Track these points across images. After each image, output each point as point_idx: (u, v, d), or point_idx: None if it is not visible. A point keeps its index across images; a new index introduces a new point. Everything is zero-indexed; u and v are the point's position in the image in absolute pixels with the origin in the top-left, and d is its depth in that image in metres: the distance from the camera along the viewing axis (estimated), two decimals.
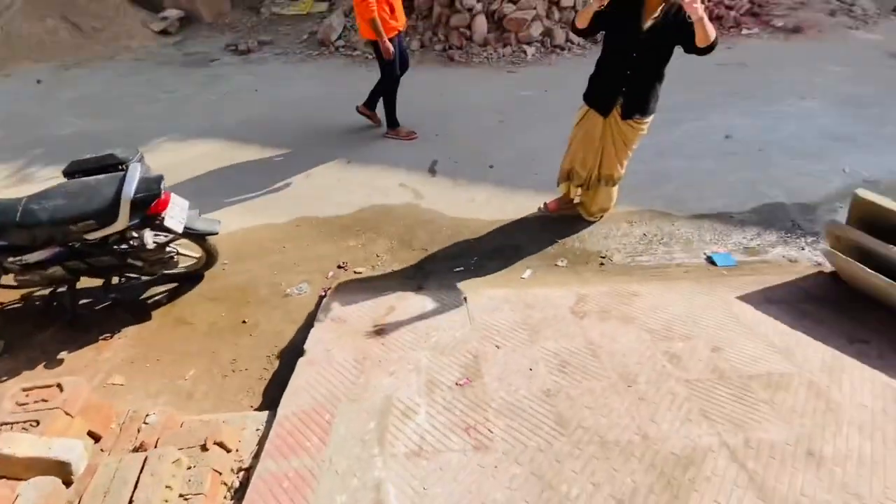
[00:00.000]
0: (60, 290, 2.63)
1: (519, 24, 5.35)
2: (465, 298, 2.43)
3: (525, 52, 5.33)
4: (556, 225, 3.07)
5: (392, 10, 3.51)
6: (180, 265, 2.75)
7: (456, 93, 4.68)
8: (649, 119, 2.54)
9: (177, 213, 2.34)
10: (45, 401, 1.50)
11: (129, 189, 2.10)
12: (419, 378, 1.90)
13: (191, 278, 2.83)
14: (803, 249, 2.77)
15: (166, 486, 1.32)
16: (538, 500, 1.39)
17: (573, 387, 1.80)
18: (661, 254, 2.81)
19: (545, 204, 3.16)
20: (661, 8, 2.16)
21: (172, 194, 2.34)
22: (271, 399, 2.06)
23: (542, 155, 3.59)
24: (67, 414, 1.42)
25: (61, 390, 1.46)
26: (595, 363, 1.92)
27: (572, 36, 5.32)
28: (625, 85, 2.41)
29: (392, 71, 3.70)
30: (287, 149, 3.95)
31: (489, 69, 5.14)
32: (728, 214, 3.05)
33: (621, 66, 2.36)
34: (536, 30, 5.38)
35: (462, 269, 2.79)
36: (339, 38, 5.81)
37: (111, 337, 2.52)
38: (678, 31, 2.12)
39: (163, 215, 2.26)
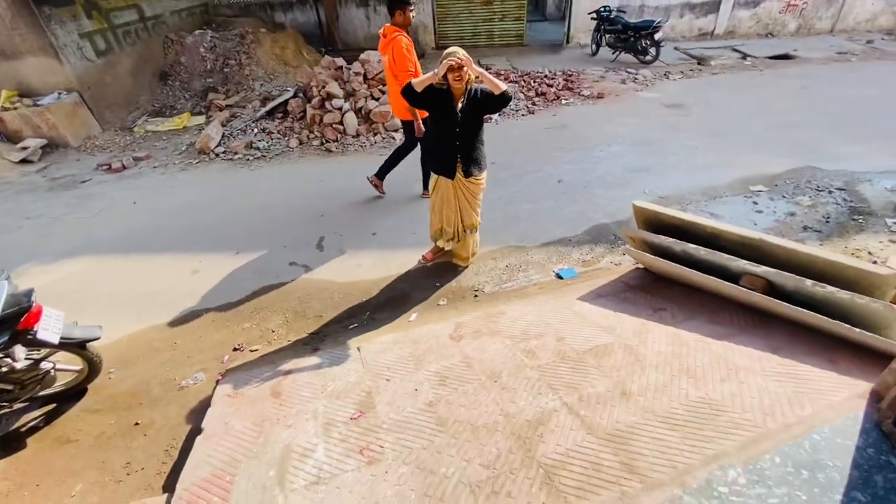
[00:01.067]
0: None
1: (384, 116, 6.16)
2: (358, 348, 2.68)
3: (394, 137, 6.10)
4: (436, 272, 3.51)
5: None
6: (59, 382, 2.64)
7: (336, 178, 5.17)
8: (485, 173, 3.17)
9: (51, 325, 2.33)
10: None
11: None
12: (316, 423, 2.07)
13: (72, 395, 2.71)
14: (624, 255, 3.50)
15: None
16: (422, 485, 1.63)
17: (451, 394, 2.11)
18: (521, 278, 3.36)
19: (423, 256, 3.62)
20: (464, 95, 2.84)
21: (45, 306, 2.35)
22: (173, 486, 2.05)
23: (418, 218, 4.12)
24: None
25: None
26: (469, 372, 2.27)
27: None
28: (458, 152, 3.03)
29: (415, 142, 4.24)
30: (171, 252, 4.01)
31: (364, 155, 5.77)
32: (567, 239, 3.76)
33: (451, 139, 2.99)
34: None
35: (356, 325, 3.05)
36: (219, 144, 6.13)
37: None
38: (479, 103, 2.82)
39: (35, 328, 2.25)
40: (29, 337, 2.24)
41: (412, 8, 3.70)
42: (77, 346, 2.51)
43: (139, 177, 5.64)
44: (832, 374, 1.85)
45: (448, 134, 2.98)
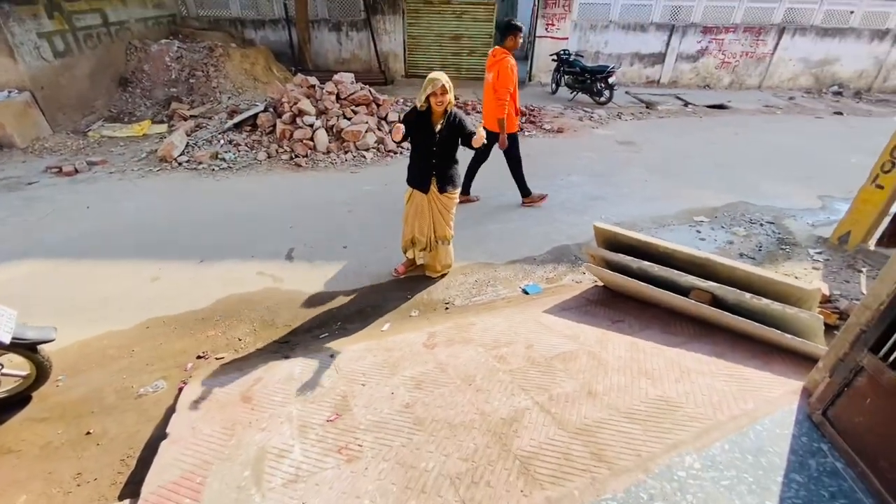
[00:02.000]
0: None
1: (355, 135, 6.27)
2: (331, 356, 2.69)
3: (364, 156, 6.21)
4: (407, 284, 3.59)
5: (517, 112, 4.55)
6: (1, 387, 2.45)
7: (306, 192, 5.18)
8: (458, 189, 3.33)
9: (2, 323, 2.20)
10: None
11: None
12: (291, 426, 2.06)
13: (13, 403, 2.51)
14: (584, 273, 3.74)
15: None
16: (403, 479, 1.67)
17: (427, 396, 2.17)
18: (490, 293, 3.50)
19: (395, 269, 3.69)
20: (444, 118, 3.04)
21: None
22: (134, 493, 1.95)
23: (388, 233, 4.20)
24: None
25: None
26: (444, 376, 2.34)
27: None
28: (434, 169, 3.19)
29: (515, 153, 4.64)
30: (129, 258, 3.85)
31: (334, 171, 5.82)
32: (532, 258, 3.96)
33: (428, 156, 3.15)
34: (371, 139, 6.37)
35: (327, 334, 3.05)
36: (182, 153, 5.98)
37: None
38: (456, 131, 3.04)
39: None
40: None
41: (521, 34, 4.23)
42: (28, 349, 2.36)
43: (94, 181, 5.38)
44: (769, 375, 2.08)
45: (425, 152, 3.14)
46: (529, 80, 11.20)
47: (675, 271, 2.66)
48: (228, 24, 10.30)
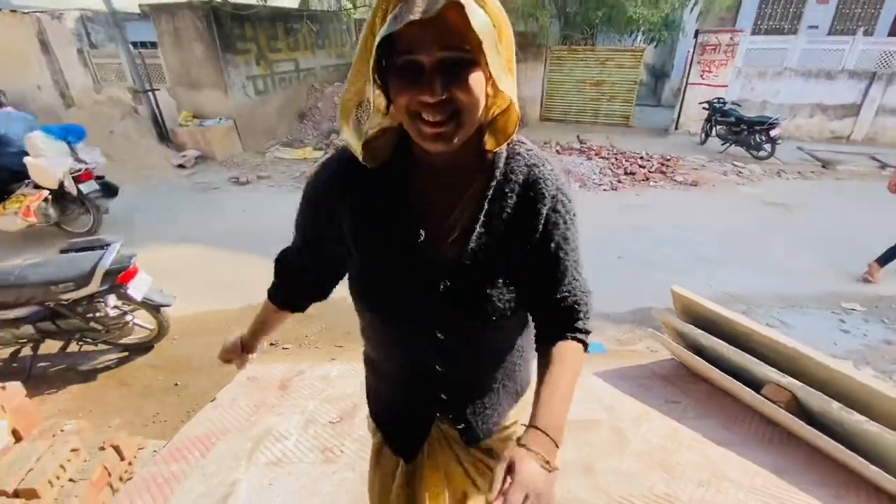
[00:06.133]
0: (22, 354, 3.04)
1: None
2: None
3: None
4: None
5: None
6: (134, 335, 3.22)
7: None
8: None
9: (140, 286, 2.93)
10: None
11: (106, 261, 2.72)
12: (301, 417, 2.27)
13: (141, 349, 3.27)
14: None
15: (60, 465, 1.67)
16: (358, 492, 1.72)
17: None
18: None
19: None
20: (481, 197, 0.76)
21: (140, 270, 2.96)
22: None
23: None
24: (1, 408, 1.81)
25: (3, 389, 1.86)
26: None
27: None
28: (440, 379, 0.88)
29: None
30: (255, 253, 4.69)
31: None
32: (608, 314, 3.64)
33: (419, 341, 0.85)
34: None
35: None
36: None
37: (56, 392, 2.88)
38: (518, 250, 0.79)
39: (128, 285, 2.85)
40: (121, 290, 2.84)
41: None
42: (154, 308, 3.08)
43: (256, 191, 6.72)
44: None
45: (408, 327, 0.85)
46: (676, 128, 10.36)
47: (751, 358, 2.20)
48: None
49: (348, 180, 0.79)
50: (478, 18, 0.57)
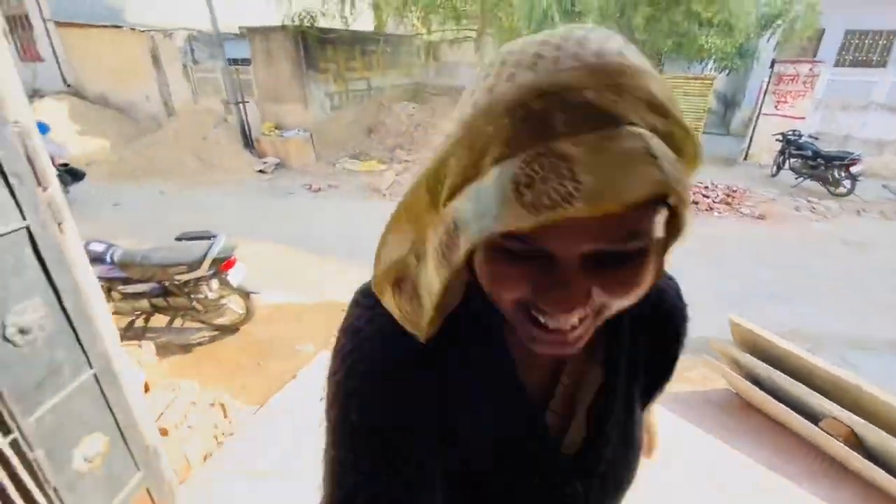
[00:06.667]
0: (137, 324, 3.57)
1: None
2: None
3: None
4: None
5: None
6: (226, 317, 3.67)
7: None
8: None
9: (237, 274, 3.36)
10: None
11: (215, 249, 3.18)
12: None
13: (230, 330, 3.71)
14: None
15: (183, 414, 2.03)
16: None
17: None
18: None
19: None
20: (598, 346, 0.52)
21: (238, 260, 3.40)
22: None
23: None
24: (138, 362, 2.21)
25: (140, 346, 2.28)
26: None
27: None
28: None
29: None
30: (327, 254, 5.13)
31: None
32: None
33: None
34: None
35: None
36: (388, 188, 7.54)
37: (160, 360, 3.35)
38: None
39: (229, 272, 3.29)
40: (223, 276, 3.28)
41: None
42: (245, 295, 3.51)
43: (327, 198, 7.28)
44: None
45: None
46: (745, 158, 10.02)
47: (809, 390, 2.22)
48: (455, 91, 12.42)
49: (432, 367, 0.48)
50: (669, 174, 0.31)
